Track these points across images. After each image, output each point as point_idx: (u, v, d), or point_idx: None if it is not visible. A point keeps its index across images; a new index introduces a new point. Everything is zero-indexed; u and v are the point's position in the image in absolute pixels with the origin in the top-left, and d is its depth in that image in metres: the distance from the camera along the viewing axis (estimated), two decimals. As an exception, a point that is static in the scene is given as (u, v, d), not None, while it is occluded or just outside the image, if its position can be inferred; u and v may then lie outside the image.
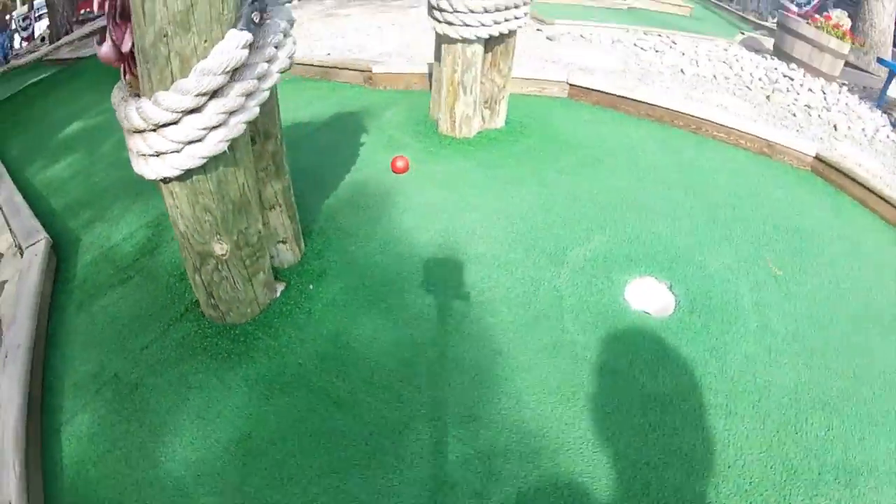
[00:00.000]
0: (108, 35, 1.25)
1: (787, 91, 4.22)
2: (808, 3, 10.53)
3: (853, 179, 2.81)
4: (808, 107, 3.95)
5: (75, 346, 1.71)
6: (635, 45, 5.16)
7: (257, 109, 1.41)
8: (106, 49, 1.26)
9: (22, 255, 1.89)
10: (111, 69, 1.39)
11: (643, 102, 3.51)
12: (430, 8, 2.66)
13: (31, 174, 2.97)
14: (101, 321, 1.82)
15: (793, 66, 4.87)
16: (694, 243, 2.23)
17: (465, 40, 2.64)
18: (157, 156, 1.33)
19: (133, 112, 1.28)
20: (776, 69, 4.74)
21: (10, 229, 2.10)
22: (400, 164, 2.64)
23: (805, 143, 3.11)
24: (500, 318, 1.80)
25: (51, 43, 8.44)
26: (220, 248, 1.58)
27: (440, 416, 1.49)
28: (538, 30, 5.50)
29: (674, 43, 5.37)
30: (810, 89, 4.30)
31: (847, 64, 5.13)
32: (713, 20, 7.82)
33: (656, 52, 5.04)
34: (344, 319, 1.78)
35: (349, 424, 1.46)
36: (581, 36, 5.31)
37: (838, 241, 2.38)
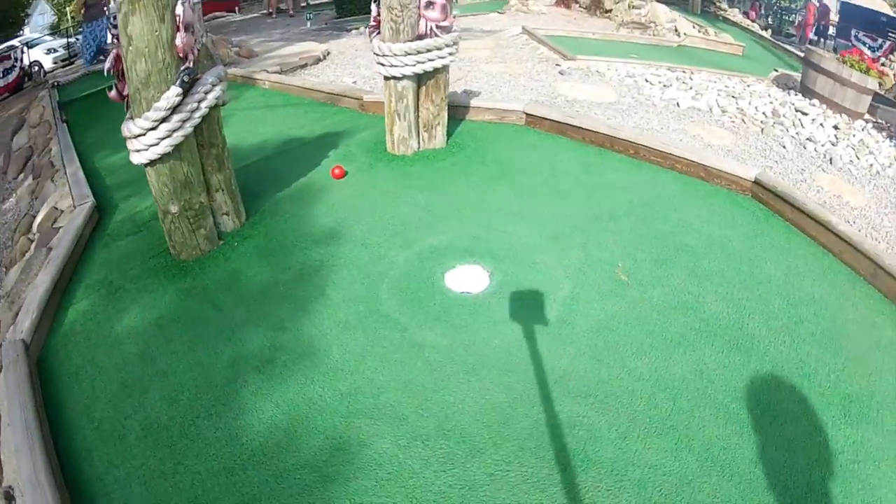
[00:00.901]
0: (115, 86, 2.51)
1: (792, 126, 4.60)
2: (880, 46, 10.47)
3: (790, 203, 3.19)
4: (810, 140, 4.35)
5: (94, 265, 3.03)
6: (646, 80, 5.72)
7: (191, 129, 2.63)
8: (114, 94, 2.53)
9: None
10: None
11: (586, 129, 4.25)
12: (374, 53, 3.75)
13: (97, 159, 4.51)
14: (114, 254, 3.12)
15: (814, 101, 5.15)
16: (540, 244, 3.01)
17: (394, 77, 3.72)
18: (137, 151, 2.58)
19: (126, 127, 2.53)
20: (791, 104, 5.05)
21: (71, 194, 3.50)
22: (336, 171, 3.79)
23: (742, 168, 3.53)
24: (341, 275, 2.85)
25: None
26: (174, 207, 2.81)
27: (273, 314, 2.57)
28: (557, 65, 6.29)
29: (689, 78, 5.86)
30: (821, 125, 4.64)
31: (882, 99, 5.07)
32: (765, 59, 8.23)
33: (664, 86, 5.54)
34: (244, 263, 2.97)
35: (218, 317, 2.60)
36: (597, 71, 6.02)
37: (729, 259, 2.93)
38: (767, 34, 11.61)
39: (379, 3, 3.52)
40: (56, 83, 6.60)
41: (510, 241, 3.11)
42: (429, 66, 3.71)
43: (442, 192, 3.62)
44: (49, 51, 12.85)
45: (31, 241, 3.59)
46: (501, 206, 3.45)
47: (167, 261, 2.99)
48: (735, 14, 12.48)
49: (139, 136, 2.50)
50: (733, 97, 5.14)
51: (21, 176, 5.44)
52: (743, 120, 4.66)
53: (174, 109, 2.51)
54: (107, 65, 2.48)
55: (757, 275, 2.87)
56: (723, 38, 8.21)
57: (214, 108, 2.79)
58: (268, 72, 6.13)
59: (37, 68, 12.17)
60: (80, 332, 2.55)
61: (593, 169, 3.88)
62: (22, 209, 4.61)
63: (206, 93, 2.64)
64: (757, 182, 3.46)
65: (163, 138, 2.53)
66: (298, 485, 1.89)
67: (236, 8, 13.12)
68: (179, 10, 2.31)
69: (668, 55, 7.14)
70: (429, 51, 3.65)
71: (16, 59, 10.66)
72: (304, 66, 6.59)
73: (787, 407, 2.17)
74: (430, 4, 3.49)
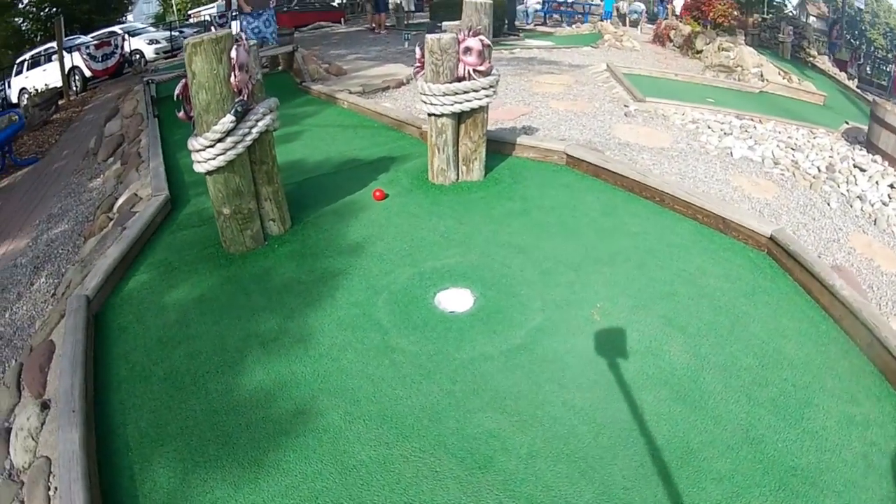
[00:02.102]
0: (183, 107, 3.23)
1: (845, 182, 4.55)
2: None
3: (800, 263, 3.18)
4: (860, 198, 4.30)
5: (158, 248, 3.82)
6: (709, 126, 5.83)
7: (242, 149, 3.28)
8: (182, 114, 3.25)
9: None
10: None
11: (618, 174, 4.47)
12: (419, 91, 4.27)
13: (180, 156, 5.45)
14: (177, 241, 3.89)
15: (877, 158, 5.03)
16: (530, 278, 3.30)
17: (434, 115, 4.21)
18: (198, 163, 3.28)
19: (191, 142, 3.24)
20: (851, 159, 4.98)
21: (151, 185, 4.36)
22: (377, 194, 4.34)
23: (759, 223, 3.55)
24: (351, 282, 3.35)
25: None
26: (226, 210, 3.48)
27: (287, 305, 3.11)
28: (625, 106, 6.54)
29: (754, 127, 5.90)
30: (877, 182, 4.56)
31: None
32: (845, 110, 7.86)
33: (724, 134, 5.63)
34: (278, 263, 3.56)
35: (244, 302, 3.19)
36: (662, 115, 6.21)
37: (714, 312, 3.00)
38: (853, 84, 10.79)
39: (423, 46, 4.05)
40: (151, 80, 7.54)
41: (503, 272, 3.43)
42: (466, 106, 4.16)
43: (462, 222, 4.02)
44: (151, 41, 14.22)
45: (110, 220, 4.50)
46: (510, 239, 3.78)
47: (218, 252, 3.68)
48: (824, 62, 11.74)
49: (200, 150, 3.19)
50: (792, 149, 5.07)
51: (111, 160, 6.56)
52: (794, 173, 4.60)
53: (228, 133, 3.17)
54: (176, 91, 3.21)
55: (737, 332, 2.93)
56: (804, 86, 7.87)
57: (266, 133, 3.45)
58: (350, 91, 6.90)
59: (138, 57, 13.61)
60: (135, 297, 3.28)
61: (613, 212, 4.07)
62: (107, 190, 5.64)
63: (258, 121, 3.29)
64: (772, 238, 3.46)
65: (218, 154, 3.21)
66: (261, 432, 2.40)
67: (341, 19, 14.34)
68: (234, 53, 2.98)
69: (747, 101, 7.03)
70: (465, 92, 4.10)
71: (116, 46, 11.87)
72: (385, 88, 7.29)
73: (715, 466, 2.21)
74: (467, 50, 3.95)
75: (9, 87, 15.92)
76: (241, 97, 3.15)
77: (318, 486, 2.15)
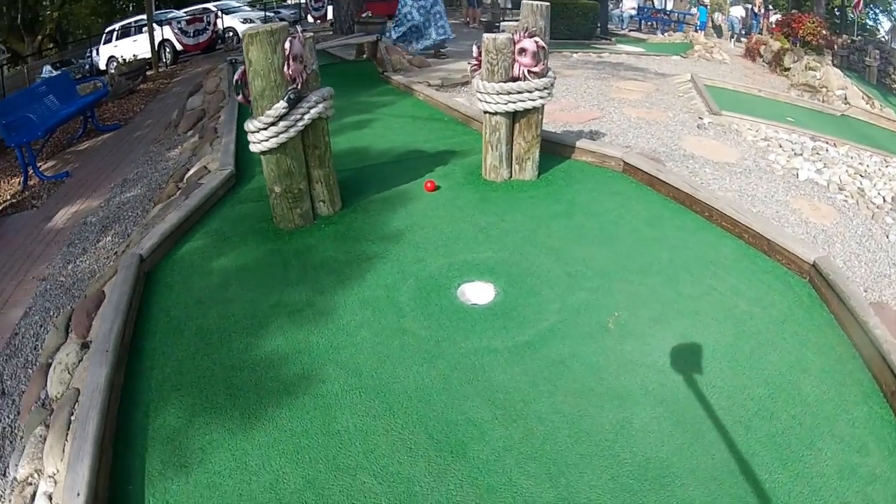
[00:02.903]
0: (243, 92, 3.56)
1: None
2: None
3: (837, 294, 3.00)
4: None
5: (216, 218, 4.23)
6: (780, 145, 5.58)
7: (294, 133, 3.57)
8: (241, 97, 3.58)
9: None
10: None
11: (669, 185, 4.34)
12: (476, 89, 4.37)
13: None
14: (234, 213, 4.30)
15: None
16: (554, 279, 3.34)
17: (489, 112, 4.31)
18: (253, 143, 3.62)
19: (247, 124, 3.58)
20: None
21: (219, 160, 4.80)
22: (428, 185, 4.50)
23: (804, 249, 3.35)
24: (384, 267, 3.55)
25: (332, 31, 10.84)
26: (277, 188, 3.80)
27: (320, 281, 3.36)
28: (700, 118, 6.32)
29: (826, 150, 5.59)
30: None
31: None
32: None
33: (794, 155, 5.42)
34: (321, 242, 3.84)
35: (282, 273, 3.49)
36: (735, 130, 5.98)
37: (735, 335, 2.88)
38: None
39: (480, 46, 4.14)
40: (235, 60, 7.90)
41: (531, 271, 3.47)
42: (519, 106, 4.22)
43: (504, 219, 4.09)
44: (245, 20, 14.57)
45: (178, 189, 4.98)
46: (545, 240, 3.80)
47: (269, 227, 4.02)
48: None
49: (254, 132, 3.51)
50: (861, 175, 4.72)
51: (190, 132, 7.14)
52: (857, 201, 4.28)
53: (281, 117, 3.46)
54: (236, 76, 3.54)
55: (755, 359, 2.78)
56: (886, 113, 7.10)
57: (319, 120, 3.72)
58: (428, 84, 7.11)
59: (231, 34, 14.00)
60: (185, 260, 3.67)
61: (657, 223, 3.96)
62: (182, 161, 6.14)
63: (310, 108, 3.55)
64: (815, 266, 3.25)
65: (271, 137, 3.51)
66: (266, 390, 2.65)
67: None
68: (287, 45, 3.25)
69: (826, 123, 6.52)
70: (519, 92, 4.16)
71: (208, 23, 12.38)
72: (465, 83, 7.42)
73: (690, 495, 2.13)
74: (522, 51, 4.00)
75: (97, 54, 16.86)
76: (294, 85, 3.42)
77: (301, 443, 2.36)
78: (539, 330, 3.00)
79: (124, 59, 14.22)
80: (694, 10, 16.70)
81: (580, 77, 7.80)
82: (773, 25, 13.28)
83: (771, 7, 19.13)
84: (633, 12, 17.02)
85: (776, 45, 10.13)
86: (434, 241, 3.83)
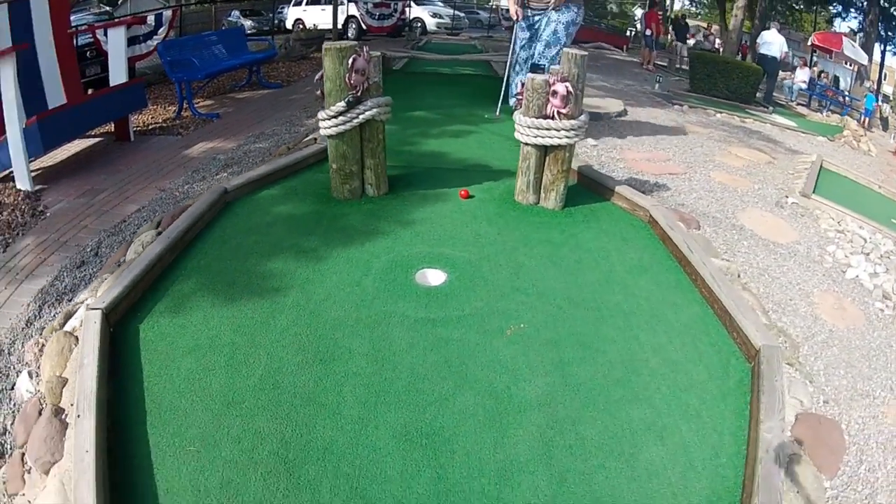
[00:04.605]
0: (321, 89, 4.80)
1: None
2: None
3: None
4: None
5: (296, 178, 5.54)
6: (850, 241, 5.31)
7: (351, 127, 4.74)
8: (319, 93, 4.83)
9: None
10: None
11: (673, 243, 4.58)
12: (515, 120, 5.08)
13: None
14: (311, 177, 5.55)
15: None
16: (505, 292, 4.02)
17: (521, 142, 5.02)
18: (320, 129, 4.86)
19: (319, 113, 4.84)
20: None
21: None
22: (462, 192, 5.35)
23: (756, 334, 3.35)
24: (382, 247, 4.54)
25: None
26: (334, 166, 5.02)
27: (333, 246, 4.49)
28: (785, 196, 6.05)
29: None
30: None
31: None
32: None
33: (855, 252, 5.05)
34: (353, 216, 4.93)
35: (313, 230, 4.66)
36: (815, 215, 5.66)
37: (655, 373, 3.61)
38: None
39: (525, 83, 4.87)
40: (383, 54, 9.24)
41: (483, 275, 4.14)
42: (546, 141, 4.84)
43: (500, 233, 4.74)
44: (434, 14, 15.15)
45: (289, 150, 6.41)
46: (518, 257, 4.36)
47: (326, 194, 5.23)
48: None
49: (322, 120, 4.74)
50: None
51: None
52: None
53: (340, 113, 4.63)
54: (317, 77, 4.76)
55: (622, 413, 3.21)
56: None
57: (374, 121, 4.82)
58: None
59: (419, 25, 14.70)
60: (256, 202, 5.04)
61: (638, 272, 4.19)
62: (310, 129, 7.17)
63: (365, 110, 4.65)
64: (759, 352, 3.27)
65: (332, 126, 4.69)
66: (256, 287, 3.84)
67: (624, 46, 14.46)
68: (350, 60, 4.40)
69: None
70: (548, 129, 4.79)
71: (395, 10, 13.22)
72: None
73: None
74: (554, 93, 4.65)
75: (286, 14, 18.11)
76: (353, 91, 4.57)
77: (272, 325, 3.51)
78: (455, 315, 3.72)
79: (305, 27, 14.91)
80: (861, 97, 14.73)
81: (701, 136, 7.77)
82: None
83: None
84: (804, 85, 15.41)
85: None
86: (433, 234, 4.69)
